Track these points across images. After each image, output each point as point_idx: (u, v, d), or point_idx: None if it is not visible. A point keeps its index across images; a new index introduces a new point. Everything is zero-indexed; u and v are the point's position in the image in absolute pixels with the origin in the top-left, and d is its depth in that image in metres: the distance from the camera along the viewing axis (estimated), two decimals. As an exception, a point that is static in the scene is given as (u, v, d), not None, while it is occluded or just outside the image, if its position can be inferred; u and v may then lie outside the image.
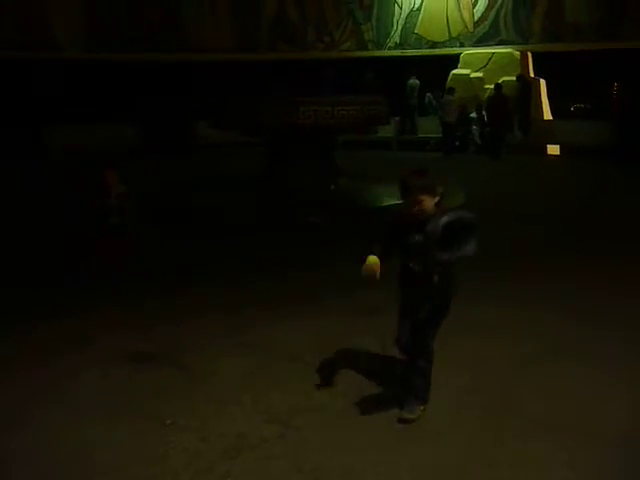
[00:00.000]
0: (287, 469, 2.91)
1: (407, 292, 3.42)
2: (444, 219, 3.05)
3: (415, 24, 19.99)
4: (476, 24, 19.36)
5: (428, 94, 19.84)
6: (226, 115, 9.43)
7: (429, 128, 18.72)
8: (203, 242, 7.15)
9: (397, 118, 18.41)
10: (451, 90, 17.59)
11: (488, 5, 19.11)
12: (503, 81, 17.45)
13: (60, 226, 7.91)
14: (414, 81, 19.36)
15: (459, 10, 19.48)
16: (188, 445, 3.10)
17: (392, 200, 8.39)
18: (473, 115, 17.67)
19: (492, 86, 17.25)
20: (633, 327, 4.52)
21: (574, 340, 4.32)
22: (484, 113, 17.12)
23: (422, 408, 3.37)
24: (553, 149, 17.61)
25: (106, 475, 2.88)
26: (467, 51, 19.24)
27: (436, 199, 3.24)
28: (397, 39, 20.18)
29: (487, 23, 19.21)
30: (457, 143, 17.60)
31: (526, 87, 17.42)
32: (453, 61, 19.22)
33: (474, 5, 19.32)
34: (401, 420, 3.30)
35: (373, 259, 3.24)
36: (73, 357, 4.13)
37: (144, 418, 3.35)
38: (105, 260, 5.79)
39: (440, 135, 17.64)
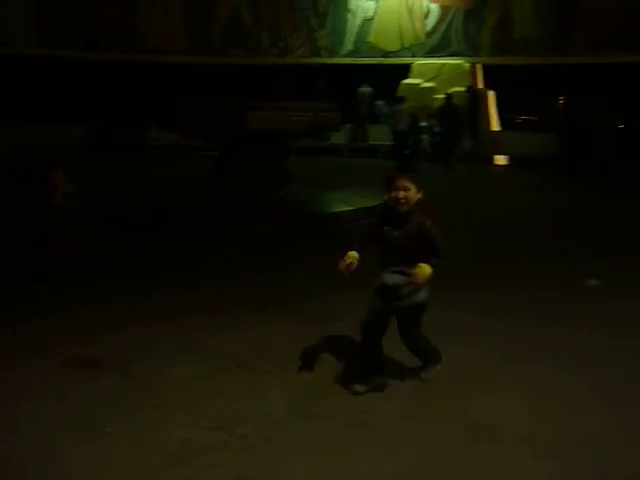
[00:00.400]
0: (230, 477, 2.87)
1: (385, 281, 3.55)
2: (430, 222, 3.40)
3: (368, 33, 20.21)
4: (428, 35, 19.70)
5: (379, 102, 20.05)
6: (176, 118, 9.30)
7: (380, 136, 18.92)
8: (151, 247, 7.01)
9: (349, 125, 18.55)
10: (402, 99, 17.84)
11: (440, 17, 19.47)
12: (453, 92, 17.79)
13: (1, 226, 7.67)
14: (365, 89, 19.56)
15: (411, 21, 19.78)
16: (130, 452, 3.03)
17: (343, 206, 8.46)
18: (424, 124, 17.94)
19: (442, 96, 17.57)
20: (588, 332, 4.63)
21: (531, 347, 4.38)
22: (435, 122, 17.39)
23: (437, 367, 3.82)
24: (501, 159, 18.01)
25: (42, 485, 2.80)
26: (419, 61, 19.54)
27: (419, 195, 3.45)
28: (350, 47, 20.36)
29: (438, 35, 19.57)
30: (407, 151, 17.81)
31: (475, 98, 17.79)
32: (406, 70, 19.51)
33: (426, 17, 19.65)
34: (423, 380, 3.75)
35: (353, 254, 3.44)
36: (19, 364, 3.99)
37: (86, 426, 3.26)
38: (44, 260, 5.63)
39: (391, 143, 17.85)
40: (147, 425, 3.29)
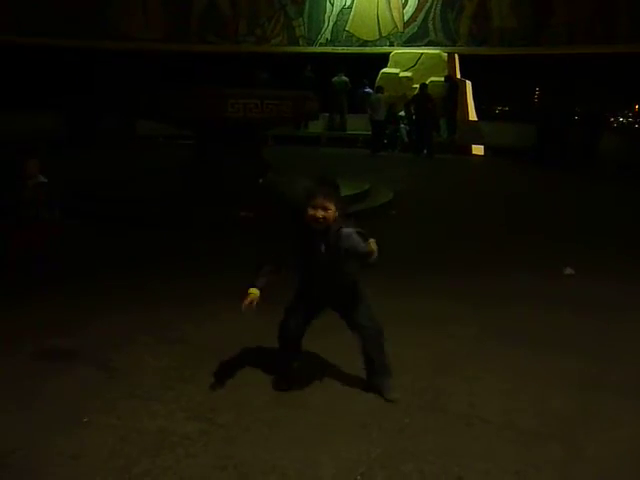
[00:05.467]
0: (210, 466, 2.84)
1: (311, 293, 3.52)
2: (348, 230, 3.26)
3: (346, 21, 20.13)
4: (406, 24, 19.66)
5: (367, 90, 19.81)
6: (154, 106, 9.19)
7: (359, 125, 18.90)
8: (129, 237, 6.93)
9: (327, 114, 18.52)
10: (380, 89, 17.81)
11: (417, 6, 19.44)
12: (431, 81, 17.81)
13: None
14: (339, 78, 19.45)
15: (389, 10, 19.73)
16: (105, 443, 2.99)
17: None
18: (402, 114, 17.94)
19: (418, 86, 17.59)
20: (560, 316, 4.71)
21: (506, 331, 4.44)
22: (413, 112, 17.41)
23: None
24: (478, 149, 18.10)
25: (16, 478, 2.75)
26: (396, 51, 19.51)
27: (337, 213, 3.29)
28: (328, 36, 20.27)
29: (416, 24, 19.54)
30: (385, 141, 17.82)
31: (453, 88, 17.83)
32: (384, 60, 19.49)
33: (404, 6, 19.61)
34: (390, 400, 3.46)
35: (254, 292, 3.33)
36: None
37: (59, 417, 3.21)
38: (13, 253, 5.50)
39: (369, 132, 17.82)
40: (123, 415, 3.25)
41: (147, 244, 6.72)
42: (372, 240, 3.21)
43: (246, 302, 3.32)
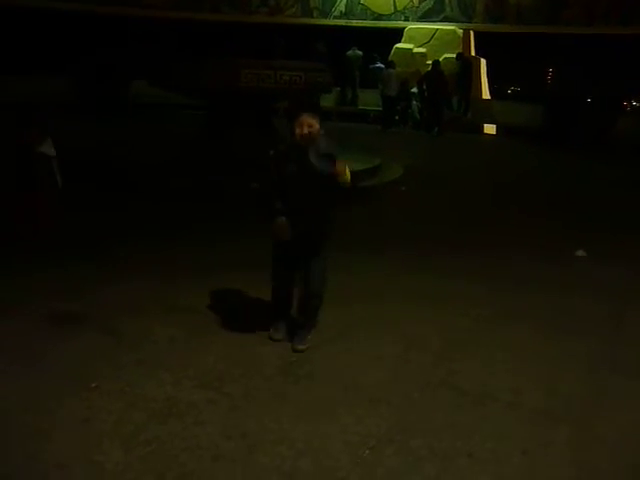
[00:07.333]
0: (216, 435, 2.83)
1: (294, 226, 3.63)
2: (325, 145, 3.59)
3: (361, -6, 19.79)
4: (421, -1, 19.33)
5: (378, 65, 19.46)
6: (167, 74, 9.07)
7: (370, 100, 18.68)
8: (140, 205, 6.88)
9: (338, 88, 18.27)
10: (392, 64, 17.49)
11: (434, -19, 19.09)
12: (445, 58, 17.54)
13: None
14: (353, 52, 19.15)
15: (405, -17, 19.38)
16: (113, 409, 2.98)
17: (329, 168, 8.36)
18: (414, 90, 17.69)
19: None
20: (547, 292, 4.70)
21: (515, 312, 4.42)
22: (425, 88, 17.16)
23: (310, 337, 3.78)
24: (489, 128, 17.88)
25: (26, 439, 2.74)
26: (411, 26, 19.21)
27: (322, 130, 3.61)
28: (342, 8, 19.94)
29: (432, -1, 19.20)
30: (397, 117, 17.61)
31: (467, 65, 17.53)
32: (398, 34, 19.20)
33: (420, -20, 19.26)
34: (296, 350, 3.66)
35: (281, 221, 3.60)
36: (1, 320, 3.89)
37: (68, 381, 3.21)
38: (20, 218, 5.45)
39: (380, 108, 17.60)
40: (131, 382, 3.24)
41: (160, 214, 6.67)
42: (342, 161, 3.50)
43: (282, 234, 3.61)
